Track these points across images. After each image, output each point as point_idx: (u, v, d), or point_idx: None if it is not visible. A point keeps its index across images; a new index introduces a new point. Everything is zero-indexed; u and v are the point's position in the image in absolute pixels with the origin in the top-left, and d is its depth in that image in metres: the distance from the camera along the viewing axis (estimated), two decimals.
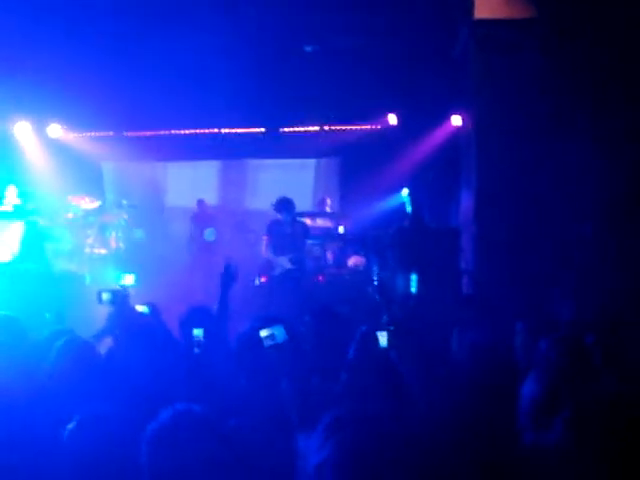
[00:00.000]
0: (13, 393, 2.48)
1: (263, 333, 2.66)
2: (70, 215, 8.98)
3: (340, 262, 7.90)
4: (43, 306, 5.61)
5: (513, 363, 2.97)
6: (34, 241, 7.98)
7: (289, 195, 7.28)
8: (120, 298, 4.11)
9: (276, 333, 2.63)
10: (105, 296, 4.08)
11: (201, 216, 10.02)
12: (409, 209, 6.24)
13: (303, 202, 8.65)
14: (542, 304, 5.23)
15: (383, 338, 2.88)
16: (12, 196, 8.23)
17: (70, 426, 2.08)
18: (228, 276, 3.66)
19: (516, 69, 6.71)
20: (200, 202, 10.18)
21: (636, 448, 1.61)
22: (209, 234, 9.67)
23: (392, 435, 1.64)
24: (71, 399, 2.32)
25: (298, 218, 7.30)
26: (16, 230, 7.87)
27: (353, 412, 1.75)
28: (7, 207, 8.16)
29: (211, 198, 10.52)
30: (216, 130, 9.60)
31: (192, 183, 11.26)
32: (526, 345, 3.33)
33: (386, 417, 1.72)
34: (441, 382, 2.57)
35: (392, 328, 2.92)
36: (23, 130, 9.38)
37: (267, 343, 2.60)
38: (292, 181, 9.77)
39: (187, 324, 3.61)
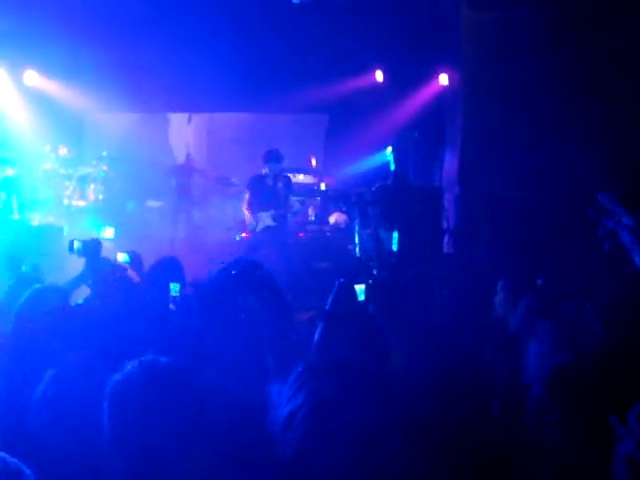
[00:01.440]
0: None
1: None
2: (48, 166, 8.79)
3: (321, 219, 7.85)
4: (19, 258, 5.52)
5: (491, 322, 2.98)
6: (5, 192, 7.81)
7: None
8: (91, 248, 4.03)
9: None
10: (77, 245, 4.00)
11: (184, 167, 9.94)
12: (393, 167, 6.18)
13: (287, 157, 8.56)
14: (521, 265, 5.26)
15: (361, 291, 2.87)
16: None
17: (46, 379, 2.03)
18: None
19: (506, 27, 6.58)
20: (188, 155, 10.14)
21: None
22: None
23: (366, 386, 1.62)
24: (41, 347, 2.28)
25: (281, 172, 7.20)
26: None
27: (326, 361, 1.72)
28: None
29: (194, 152, 10.43)
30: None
31: (175, 137, 11.13)
32: (506, 303, 3.35)
33: (360, 368, 1.70)
34: (420, 336, 2.57)
35: (370, 282, 2.91)
36: None
37: None
38: (277, 136, 9.65)
39: (155, 275, 3.57)
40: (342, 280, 2.84)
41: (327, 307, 2.70)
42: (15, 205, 7.78)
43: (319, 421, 1.48)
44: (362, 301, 2.86)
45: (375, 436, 1.53)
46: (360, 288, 2.88)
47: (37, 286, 2.57)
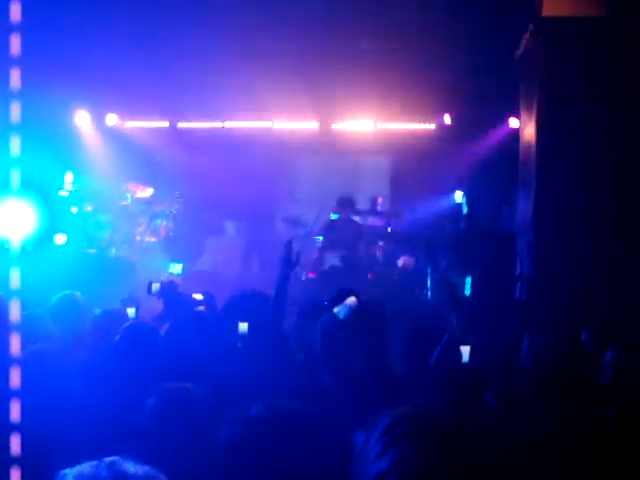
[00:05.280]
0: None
1: (336, 309, 2.62)
2: (124, 203, 9.13)
3: (390, 261, 7.78)
4: (98, 288, 5.72)
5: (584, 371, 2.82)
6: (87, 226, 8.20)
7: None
8: (168, 290, 4.17)
9: (347, 305, 2.59)
10: (154, 287, 4.15)
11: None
12: (465, 211, 6.09)
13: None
14: (605, 313, 5.02)
15: (466, 353, 2.74)
16: (69, 182, 8.44)
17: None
18: (288, 259, 3.54)
19: (584, 71, 6.47)
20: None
21: None
22: (229, 227, 9.82)
23: (468, 461, 1.49)
24: (134, 377, 2.35)
25: (352, 217, 7.30)
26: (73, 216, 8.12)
27: (418, 416, 1.58)
28: (64, 193, 8.37)
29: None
30: (269, 124, 9.61)
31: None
32: (593, 353, 3.18)
33: (461, 436, 1.56)
34: (513, 387, 2.45)
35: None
36: (82, 119, 9.58)
37: (342, 314, 2.56)
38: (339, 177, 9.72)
39: (230, 312, 3.59)
40: (447, 338, 2.72)
41: (431, 363, 2.58)
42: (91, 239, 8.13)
43: None
44: (466, 363, 2.72)
45: None
46: (465, 350, 2.75)
47: (132, 322, 2.68)
